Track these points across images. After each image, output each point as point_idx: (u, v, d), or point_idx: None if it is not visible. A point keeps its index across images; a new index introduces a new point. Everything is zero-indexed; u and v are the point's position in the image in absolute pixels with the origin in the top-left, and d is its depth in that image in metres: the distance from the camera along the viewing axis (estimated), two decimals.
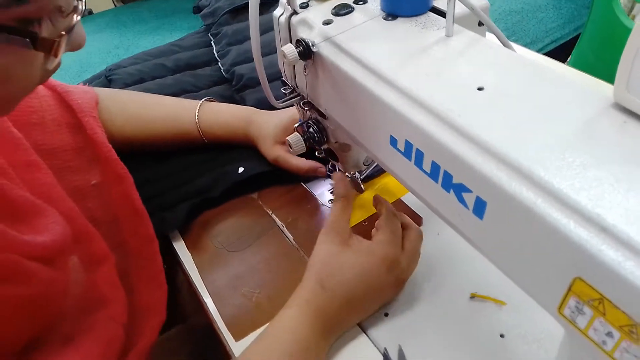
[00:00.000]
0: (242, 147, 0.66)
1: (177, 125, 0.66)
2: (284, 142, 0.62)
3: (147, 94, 0.71)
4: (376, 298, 0.46)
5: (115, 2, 1.89)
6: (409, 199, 0.59)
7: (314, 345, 0.43)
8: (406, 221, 0.49)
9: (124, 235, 0.56)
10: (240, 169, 0.63)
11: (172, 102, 0.69)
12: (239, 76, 0.77)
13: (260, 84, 0.74)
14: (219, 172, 0.64)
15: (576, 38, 1.21)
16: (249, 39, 0.87)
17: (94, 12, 1.73)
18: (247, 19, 0.91)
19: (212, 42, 0.91)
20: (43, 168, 0.49)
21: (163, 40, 1.09)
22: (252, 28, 0.40)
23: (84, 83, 0.89)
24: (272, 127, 0.63)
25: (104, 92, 0.64)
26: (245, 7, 0.94)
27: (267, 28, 0.83)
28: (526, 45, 1.24)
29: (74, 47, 0.38)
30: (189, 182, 0.64)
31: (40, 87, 0.56)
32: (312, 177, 0.63)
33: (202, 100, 0.67)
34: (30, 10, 0.32)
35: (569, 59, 1.09)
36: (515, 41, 1.26)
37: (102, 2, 1.84)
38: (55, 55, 0.35)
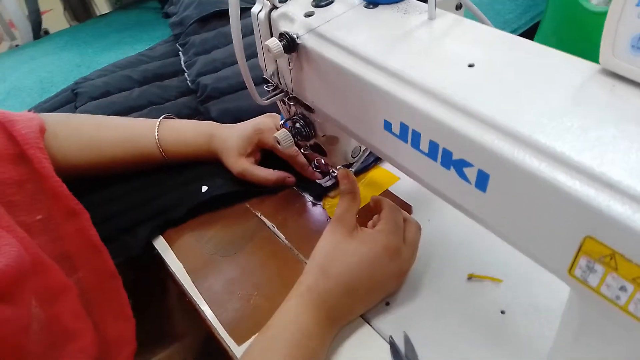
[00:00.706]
0: (206, 163, 0.65)
1: (136, 146, 0.63)
2: (248, 154, 0.61)
3: (101, 116, 0.68)
4: (379, 288, 0.46)
5: (69, 22, 1.84)
6: (397, 189, 0.60)
7: (317, 333, 0.43)
8: (405, 215, 0.50)
9: (79, 272, 0.52)
10: (204, 188, 0.62)
11: (129, 122, 0.66)
12: (203, 87, 0.76)
13: (224, 94, 0.74)
14: (182, 191, 0.62)
15: (534, 27, 1.25)
16: (216, 48, 0.87)
17: (50, 32, 1.68)
18: (215, 27, 0.91)
19: (180, 53, 0.90)
20: None
21: (125, 54, 1.07)
22: (233, 25, 0.39)
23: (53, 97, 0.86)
24: (235, 139, 0.61)
25: (52, 118, 0.61)
26: (214, 16, 0.93)
27: (244, 33, 0.82)
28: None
29: None
30: (151, 201, 0.62)
31: None
32: (283, 186, 0.63)
33: (161, 118, 0.65)
34: None
35: None
36: None
37: (57, 22, 1.79)
38: None
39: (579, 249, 0.27)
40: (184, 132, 0.64)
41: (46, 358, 0.43)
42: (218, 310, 0.51)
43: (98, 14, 1.85)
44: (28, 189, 0.51)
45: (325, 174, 0.59)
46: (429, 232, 0.54)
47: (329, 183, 0.61)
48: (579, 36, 0.83)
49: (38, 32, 1.64)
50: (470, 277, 0.50)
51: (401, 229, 0.47)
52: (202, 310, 0.51)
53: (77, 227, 0.52)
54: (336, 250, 0.46)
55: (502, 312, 0.46)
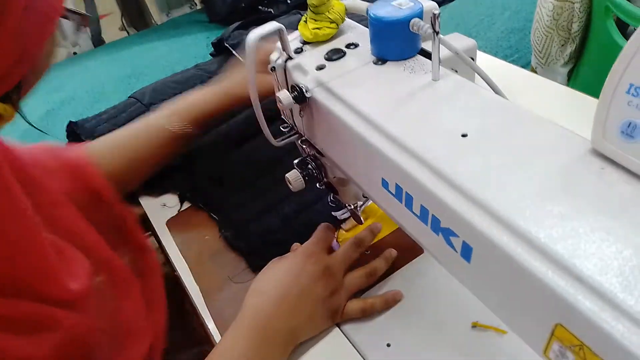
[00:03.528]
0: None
1: (146, 125, 0.67)
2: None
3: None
4: (310, 298, 0.49)
5: (127, 28, 1.95)
6: None
7: (248, 346, 0.46)
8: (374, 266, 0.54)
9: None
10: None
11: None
12: None
13: None
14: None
15: None
16: None
17: (105, 41, 1.79)
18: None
19: (235, 53, 0.90)
20: (66, 204, 0.50)
21: (172, 68, 1.12)
22: (250, 71, 0.41)
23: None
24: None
25: (93, 143, 0.66)
26: (252, 22, 0.96)
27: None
28: (530, 62, 1.25)
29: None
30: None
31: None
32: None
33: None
34: None
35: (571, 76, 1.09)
36: (519, 59, 1.27)
37: (113, 32, 1.90)
38: None
39: (552, 334, 0.27)
40: (193, 94, 0.68)
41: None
42: (222, 328, 0.53)
43: (153, 20, 1.95)
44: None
45: (340, 207, 0.60)
46: (438, 275, 0.54)
47: (344, 216, 0.62)
48: None
49: (98, 40, 1.74)
50: (474, 326, 0.50)
51: (324, 250, 0.53)
52: (212, 334, 0.54)
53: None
54: (270, 270, 0.52)
55: None
